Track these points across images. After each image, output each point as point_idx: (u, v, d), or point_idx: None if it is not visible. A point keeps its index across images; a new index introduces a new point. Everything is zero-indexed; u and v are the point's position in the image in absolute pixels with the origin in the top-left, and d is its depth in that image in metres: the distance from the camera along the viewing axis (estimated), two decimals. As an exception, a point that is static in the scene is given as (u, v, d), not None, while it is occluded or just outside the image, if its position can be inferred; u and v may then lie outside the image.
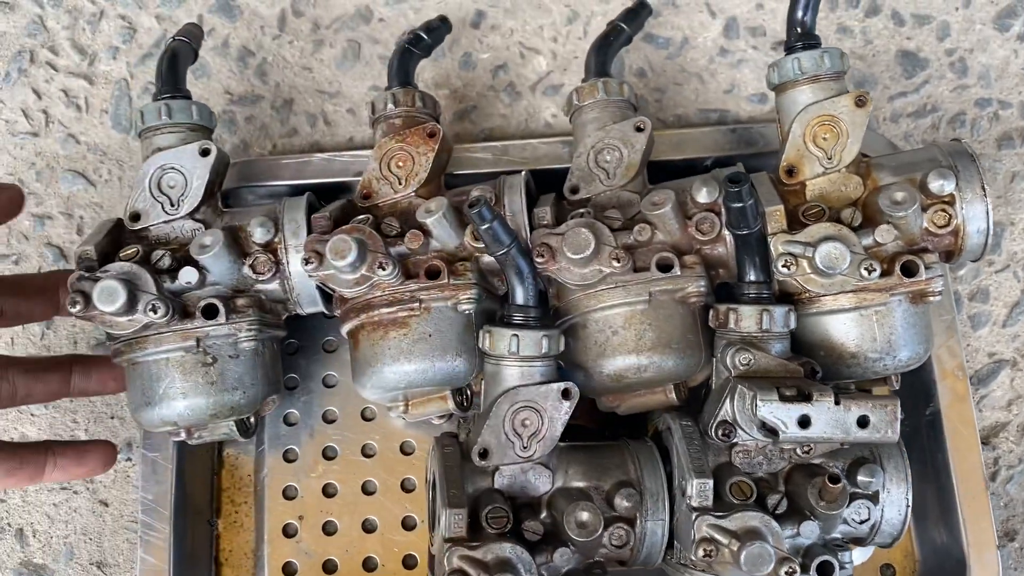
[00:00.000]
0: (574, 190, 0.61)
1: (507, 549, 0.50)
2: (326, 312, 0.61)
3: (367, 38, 0.76)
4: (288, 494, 0.67)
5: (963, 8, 0.75)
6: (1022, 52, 0.74)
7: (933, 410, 0.65)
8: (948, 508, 0.63)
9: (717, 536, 0.50)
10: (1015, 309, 0.70)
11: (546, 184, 0.64)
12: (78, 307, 0.54)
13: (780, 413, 0.50)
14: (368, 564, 0.66)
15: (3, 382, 0.58)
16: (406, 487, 0.67)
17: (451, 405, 0.59)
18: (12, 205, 0.60)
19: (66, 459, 0.61)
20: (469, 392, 0.61)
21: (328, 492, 0.67)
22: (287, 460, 0.68)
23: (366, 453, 0.68)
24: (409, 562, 0.66)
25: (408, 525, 0.66)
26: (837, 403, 0.49)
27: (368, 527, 0.66)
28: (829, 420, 0.49)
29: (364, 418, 0.68)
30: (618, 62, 0.74)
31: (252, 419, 0.61)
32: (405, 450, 0.68)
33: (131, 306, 0.54)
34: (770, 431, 0.51)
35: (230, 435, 0.59)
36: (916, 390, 0.66)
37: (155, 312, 0.54)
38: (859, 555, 0.62)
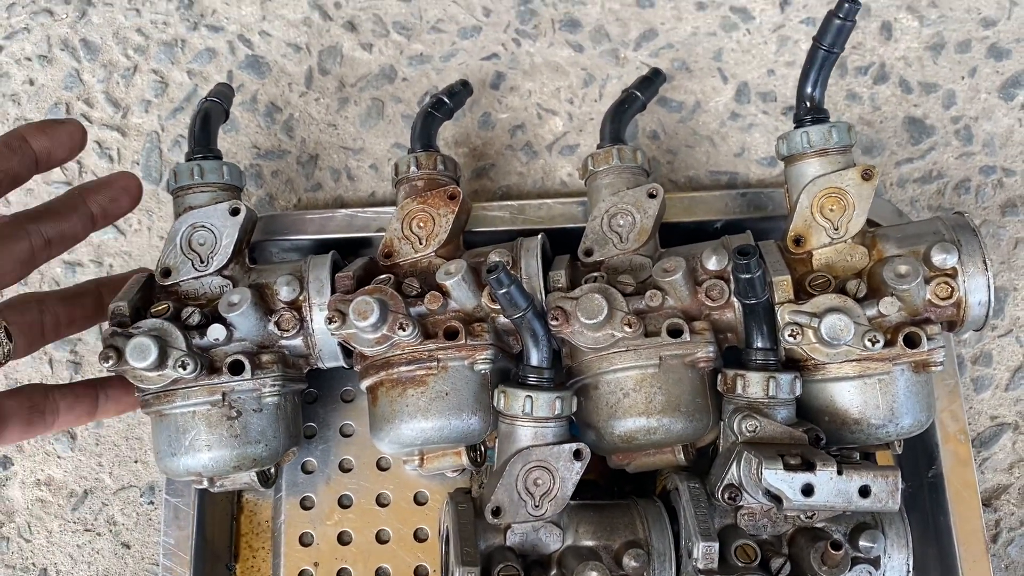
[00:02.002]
0: (588, 253, 0.63)
1: (518, 607, 0.52)
2: (346, 366, 0.63)
3: (390, 97, 0.79)
4: (304, 541, 0.69)
5: (969, 77, 0.78)
6: (1026, 121, 0.76)
7: (935, 473, 0.66)
8: (950, 570, 0.64)
9: (722, 599, 0.52)
10: (1017, 373, 0.72)
11: (561, 243, 0.66)
12: (111, 362, 0.56)
13: (784, 481, 0.51)
14: (380, 611, 0.68)
15: (46, 314, 0.57)
16: (419, 536, 0.69)
17: (465, 461, 0.61)
18: (73, 141, 0.58)
19: (115, 391, 0.60)
20: (483, 448, 0.62)
21: (343, 540, 0.69)
22: (304, 507, 0.69)
23: (381, 502, 0.69)
24: (421, 610, 0.68)
25: (420, 574, 0.68)
26: (840, 473, 0.51)
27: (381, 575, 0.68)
28: (832, 489, 0.51)
29: (379, 468, 0.70)
30: (632, 124, 0.76)
31: (272, 470, 0.63)
32: (419, 500, 0.69)
33: (161, 362, 0.56)
34: (774, 497, 0.52)
35: (251, 485, 0.61)
36: (919, 453, 0.67)
37: (184, 368, 0.56)
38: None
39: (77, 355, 0.74)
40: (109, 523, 0.71)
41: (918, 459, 0.68)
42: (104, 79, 0.80)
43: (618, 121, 0.68)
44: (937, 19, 0.79)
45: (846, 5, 0.59)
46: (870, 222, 0.68)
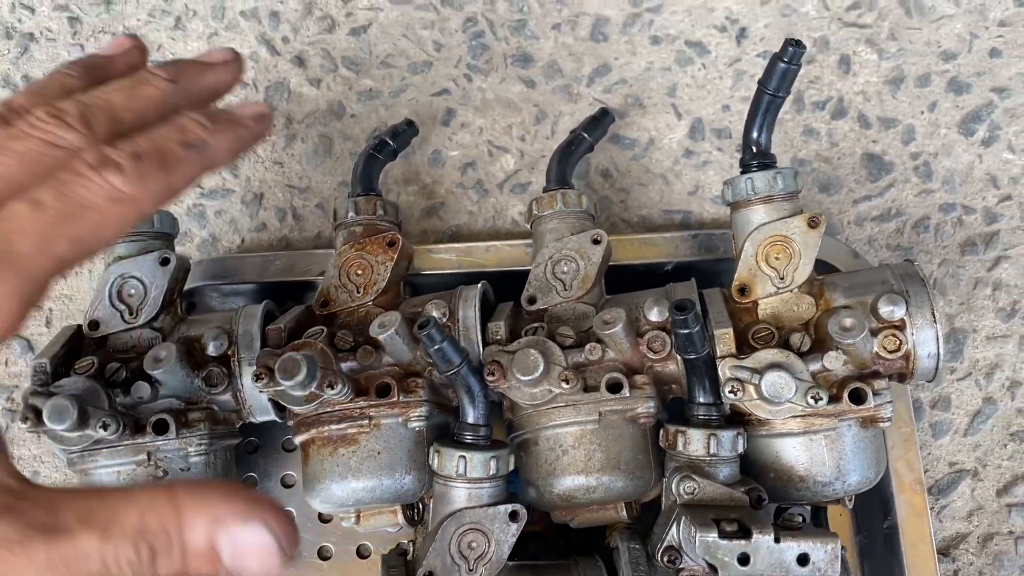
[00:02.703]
0: (531, 300, 0.62)
1: None
2: (279, 420, 0.62)
3: (339, 134, 0.77)
4: (244, 596, 0.67)
5: (928, 112, 0.76)
6: (986, 157, 0.75)
7: (891, 523, 0.65)
8: (904, 624, 0.63)
9: (657, 670, 0.50)
10: (976, 418, 0.70)
11: (509, 286, 0.65)
12: (28, 423, 0.54)
13: (720, 550, 0.50)
14: (322, 669, 0.66)
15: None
16: (362, 591, 0.67)
17: (401, 520, 0.59)
18: (262, 125, 0.46)
19: None
20: (420, 506, 0.61)
21: (284, 594, 0.67)
22: (244, 561, 0.67)
23: (323, 555, 0.68)
24: (363, 667, 0.66)
25: (363, 630, 0.66)
26: (777, 540, 0.49)
27: (323, 631, 0.66)
28: (768, 559, 0.49)
29: (321, 520, 0.68)
30: (584, 162, 0.74)
31: (204, 527, 0.61)
32: (362, 553, 0.68)
33: (82, 423, 0.54)
34: (711, 565, 0.51)
35: (182, 544, 0.59)
36: (874, 503, 0.65)
37: (106, 429, 0.54)
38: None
39: (14, 402, 0.72)
40: None
41: (873, 509, 0.66)
42: (46, 116, 0.78)
43: (564, 163, 0.67)
44: (896, 52, 0.77)
45: (790, 49, 0.57)
46: (823, 264, 0.66)
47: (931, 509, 0.67)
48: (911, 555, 0.63)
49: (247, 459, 0.69)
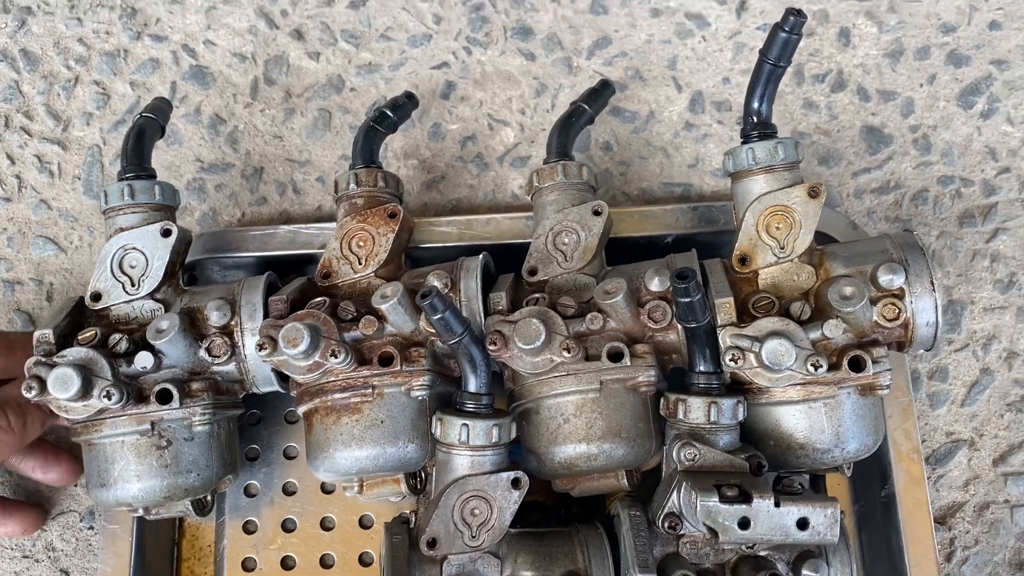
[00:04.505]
0: (532, 272, 0.62)
1: (450, 643, 0.51)
2: (282, 390, 0.62)
3: (338, 107, 0.77)
4: (247, 566, 0.67)
5: (927, 85, 0.76)
6: (985, 130, 0.75)
7: (888, 492, 0.65)
8: (901, 591, 0.64)
9: (659, 633, 0.50)
10: (974, 388, 0.71)
11: (510, 258, 0.65)
12: (33, 392, 0.54)
13: (721, 515, 0.50)
14: (325, 637, 0.66)
15: None
16: (364, 561, 0.67)
17: (404, 488, 0.60)
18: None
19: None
20: (423, 474, 0.61)
21: (287, 565, 0.67)
22: (247, 531, 0.68)
23: (325, 526, 0.68)
24: (366, 636, 0.66)
25: (366, 599, 0.67)
26: (777, 505, 0.50)
27: (326, 600, 0.67)
28: (769, 523, 0.50)
29: (324, 491, 0.69)
30: (584, 135, 0.74)
31: (208, 498, 0.61)
32: (364, 524, 0.68)
33: (86, 392, 0.54)
34: (712, 529, 0.51)
35: (186, 513, 0.60)
36: (871, 472, 0.66)
37: (109, 398, 0.54)
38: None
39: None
40: (47, 549, 0.69)
41: (871, 477, 0.66)
42: (44, 91, 0.78)
43: (565, 135, 0.67)
44: (896, 25, 0.77)
45: (791, 18, 0.57)
46: (822, 236, 0.67)
47: (928, 479, 0.67)
48: (908, 522, 0.64)
49: (250, 431, 0.70)
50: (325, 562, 0.67)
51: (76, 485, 0.70)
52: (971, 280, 0.73)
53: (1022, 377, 0.71)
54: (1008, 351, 0.71)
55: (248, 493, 0.69)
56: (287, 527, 0.68)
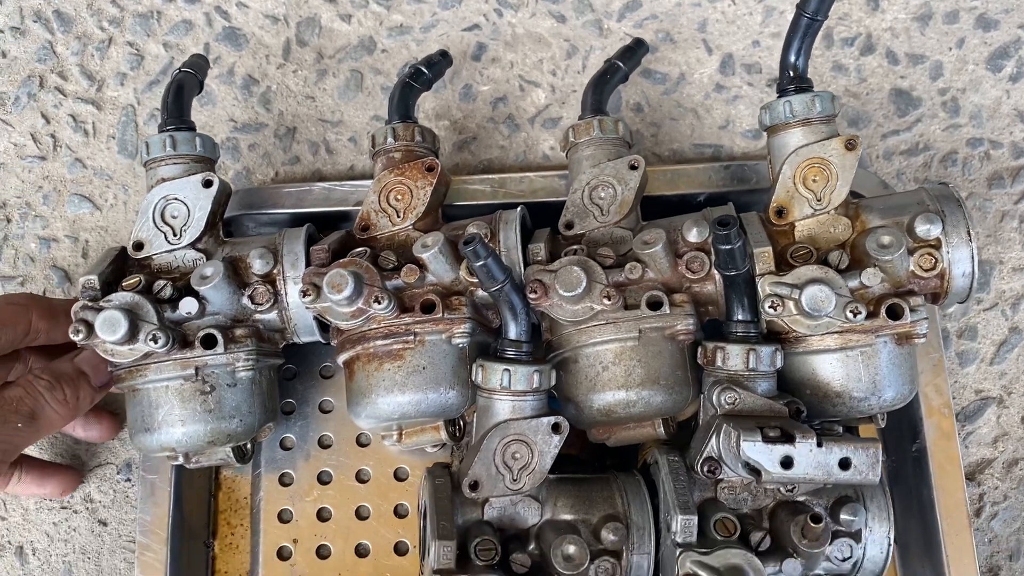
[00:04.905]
0: (569, 226, 0.62)
1: (494, 581, 0.51)
2: (323, 340, 0.63)
3: (369, 68, 0.77)
4: (283, 517, 0.68)
5: (956, 48, 0.77)
6: (1014, 93, 0.75)
7: (919, 447, 0.66)
8: (932, 544, 0.64)
9: (700, 572, 0.51)
10: (1003, 347, 0.71)
11: (543, 217, 0.66)
12: (80, 335, 0.55)
13: (763, 454, 0.51)
14: (360, 588, 0.67)
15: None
16: (399, 512, 0.68)
17: (444, 435, 0.60)
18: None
19: (30, 476, 0.64)
20: (462, 423, 0.62)
21: (322, 516, 0.68)
22: (283, 484, 0.69)
23: (360, 479, 0.69)
24: (401, 587, 0.67)
25: (400, 551, 0.67)
26: (819, 445, 0.50)
27: (361, 552, 0.67)
28: (811, 462, 0.50)
29: (359, 444, 0.69)
30: (615, 97, 0.75)
31: (249, 445, 0.62)
32: (399, 476, 0.69)
33: (132, 336, 0.55)
34: (753, 470, 0.52)
35: (227, 461, 0.60)
36: (903, 427, 0.67)
37: (156, 342, 0.55)
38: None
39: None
40: (85, 501, 0.70)
41: (902, 433, 0.67)
42: (79, 51, 0.78)
43: (600, 92, 0.67)
44: (925, -11, 0.77)
45: (830, -29, 0.57)
46: (854, 194, 0.67)
47: (957, 435, 0.68)
48: (939, 476, 0.65)
49: (286, 385, 0.70)
50: (360, 514, 0.68)
51: (112, 439, 0.71)
52: (1000, 240, 0.73)
53: (1050, 336, 0.72)
54: (1036, 311, 0.72)
55: (284, 446, 0.70)
56: (323, 479, 0.69)
